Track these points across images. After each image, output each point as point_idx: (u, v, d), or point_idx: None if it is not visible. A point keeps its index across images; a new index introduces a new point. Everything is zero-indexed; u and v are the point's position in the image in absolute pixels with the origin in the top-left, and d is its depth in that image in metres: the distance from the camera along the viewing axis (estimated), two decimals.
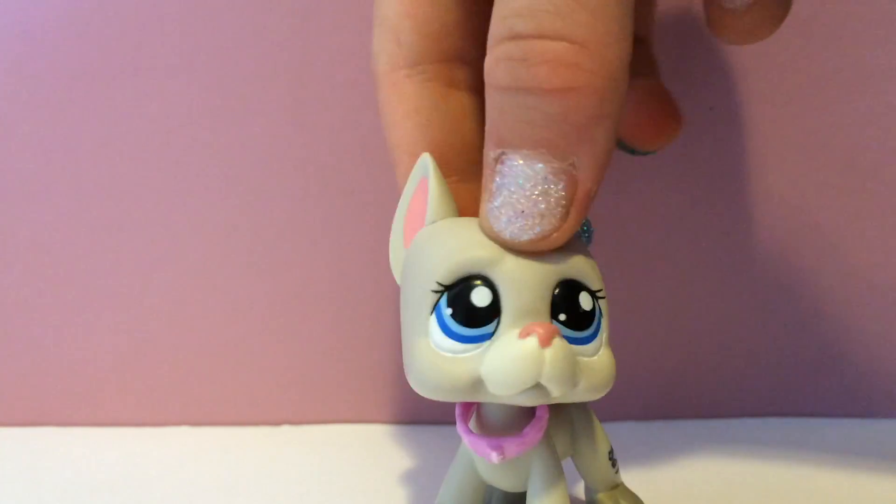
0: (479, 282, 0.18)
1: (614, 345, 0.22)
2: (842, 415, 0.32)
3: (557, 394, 0.17)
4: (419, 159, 0.20)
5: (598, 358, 0.18)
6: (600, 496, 0.23)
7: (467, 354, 0.18)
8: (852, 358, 0.32)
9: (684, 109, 0.31)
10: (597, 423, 0.22)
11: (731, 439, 0.30)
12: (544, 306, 0.18)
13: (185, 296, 0.32)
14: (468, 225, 0.19)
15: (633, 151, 0.25)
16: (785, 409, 0.32)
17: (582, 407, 0.22)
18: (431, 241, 0.19)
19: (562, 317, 0.18)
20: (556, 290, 0.18)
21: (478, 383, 0.18)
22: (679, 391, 0.33)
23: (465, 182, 0.21)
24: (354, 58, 0.31)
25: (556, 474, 0.20)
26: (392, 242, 0.21)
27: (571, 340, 0.18)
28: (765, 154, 0.31)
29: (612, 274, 0.32)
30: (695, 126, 0.31)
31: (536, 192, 0.17)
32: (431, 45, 0.21)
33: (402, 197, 0.21)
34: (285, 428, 0.33)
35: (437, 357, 0.18)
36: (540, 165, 0.17)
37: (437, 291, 0.18)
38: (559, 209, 0.18)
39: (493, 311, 0.18)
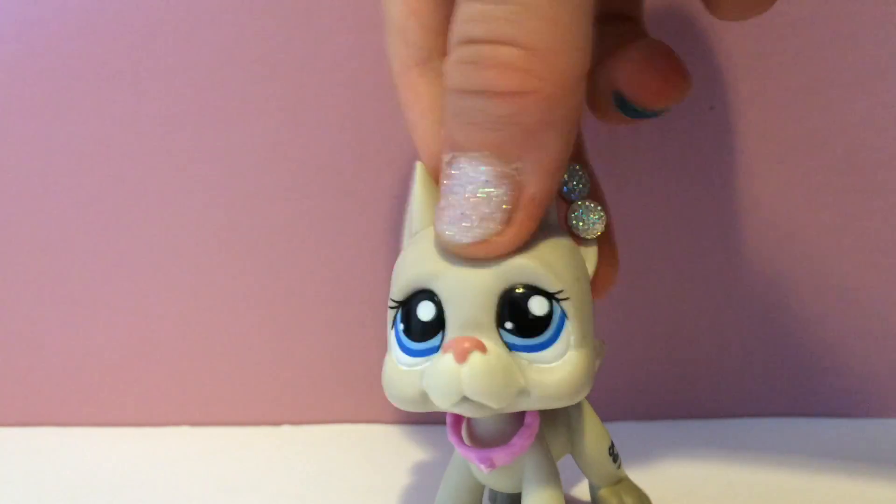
0: (424, 296, 0.18)
1: (614, 345, 0.22)
2: (842, 415, 0.32)
3: (495, 405, 0.17)
4: (415, 168, 0.20)
5: (560, 363, 0.18)
6: (602, 492, 0.23)
7: (416, 368, 0.18)
8: (852, 358, 0.32)
9: (684, 109, 0.31)
10: (595, 419, 0.22)
11: (731, 439, 0.30)
12: (487, 316, 0.18)
13: (185, 296, 0.32)
14: (431, 236, 0.19)
15: (639, 113, 0.23)
16: (785, 409, 0.32)
17: (579, 405, 0.22)
18: (401, 255, 0.19)
19: (508, 325, 0.18)
20: (504, 298, 0.18)
21: (425, 395, 0.18)
22: (679, 391, 0.33)
23: None
24: (354, 58, 0.31)
25: (549, 475, 0.20)
26: (403, 246, 0.21)
27: (521, 348, 0.18)
28: (765, 154, 0.31)
29: None
30: (695, 126, 0.31)
31: (479, 195, 0.17)
32: (438, 40, 0.21)
33: (408, 208, 0.21)
34: (285, 428, 0.33)
35: (395, 370, 0.18)
36: (483, 168, 0.17)
37: (393, 308, 0.19)
38: (500, 213, 0.17)
39: (438, 325, 0.18)
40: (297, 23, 0.31)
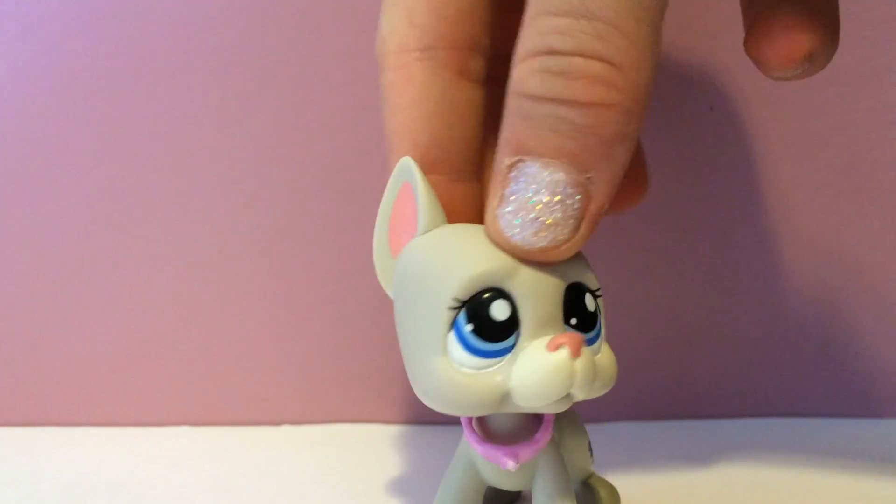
0: (497, 294, 0.18)
1: (615, 345, 0.22)
2: (842, 415, 0.32)
3: (582, 397, 0.18)
4: (399, 163, 0.20)
5: (601, 355, 0.19)
6: (589, 481, 0.24)
7: (491, 369, 0.18)
8: (852, 358, 0.32)
9: (684, 109, 0.31)
10: (576, 417, 0.23)
11: (731, 439, 0.30)
12: (559, 313, 0.18)
13: (185, 296, 0.32)
14: (472, 235, 0.19)
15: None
16: (785, 409, 0.32)
17: None
18: (437, 254, 0.19)
19: (573, 321, 0.18)
20: (566, 296, 0.18)
21: (505, 397, 0.18)
22: (679, 391, 0.33)
23: (461, 182, 0.21)
24: (354, 58, 0.31)
25: (563, 471, 0.20)
26: (376, 251, 0.21)
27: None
28: (765, 154, 0.31)
29: (613, 274, 0.32)
30: (695, 126, 0.31)
31: (554, 201, 0.18)
32: (446, 29, 0.20)
33: (382, 202, 0.20)
34: (285, 428, 0.33)
35: (459, 375, 0.18)
36: (560, 174, 0.18)
37: (454, 308, 0.18)
38: (573, 220, 0.18)
39: (512, 324, 0.18)
40: (297, 23, 0.31)
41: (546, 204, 0.18)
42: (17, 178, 0.32)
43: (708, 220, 0.32)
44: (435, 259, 0.18)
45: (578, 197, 0.18)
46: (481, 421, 0.20)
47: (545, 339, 0.17)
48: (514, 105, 0.18)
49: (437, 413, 0.19)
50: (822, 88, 0.31)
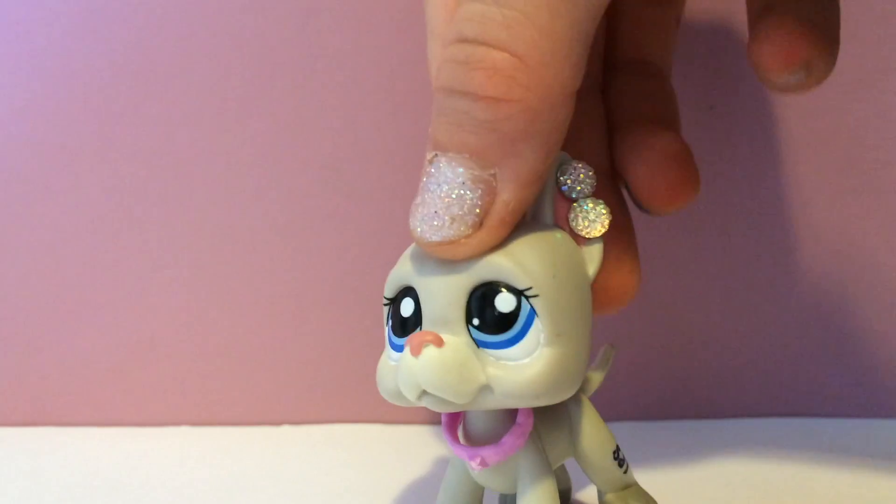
0: (407, 293, 0.18)
1: (616, 345, 0.22)
2: (842, 415, 0.32)
3: (455, 400, 0.17)
4: None
5: (529, 360, 0.18)
6: (608, 497, 0.22)
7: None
8: (853, 358, 0.32)
9: (684, 109, 0.31)
10: (597, 422, 0.22)
11: (731, 439, 0.30)
12: (456, 313, 0.18)
13: (185, 296, 0.32)
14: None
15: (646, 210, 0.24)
16: (785, 409, 0.32)
17: (579, 407, 0.22)
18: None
19: (475, 321, 0.18)
20: (472, 294, 0.18)
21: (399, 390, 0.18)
22: (679, 391, 0.33)
23: None
24: (354, 58, 0.31)
25: (543, 474, 0.20)
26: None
27: (488, 345, 0.18)
28: (765, 153, 0.31)
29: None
30: (695, 126, 0.31)
31: (452, 196, 0.17)
32: None
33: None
34: (285, 428, 0.33)
35: (384, 365, 0.19)
36: (461, 169, 0.17)
37: (385, 305, 0.19)
38: (471, 217, 0.17)
39: (417, 320, 0.18)
40: (297, 23, 0.31)
41: (444, 199, 0.17)
42: (18, 178, 0.32)
43: (708, 220, 0.32)
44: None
45: (479, 192, 0.17)
46: (463, 422, 0.20)
47: None
48: (434, 99, 0.18)
49: (436, 414, 0.19)
50: (822, 88, 0.30)
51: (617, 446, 0.22)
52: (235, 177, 0.32)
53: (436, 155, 0.18)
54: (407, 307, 0.18)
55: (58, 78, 0.31)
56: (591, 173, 0.20)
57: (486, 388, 0.17)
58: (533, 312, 0.18)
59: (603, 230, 0.20)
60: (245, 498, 0.26)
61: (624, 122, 0.24)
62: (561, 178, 0.19)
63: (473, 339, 0.18)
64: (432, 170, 0.18)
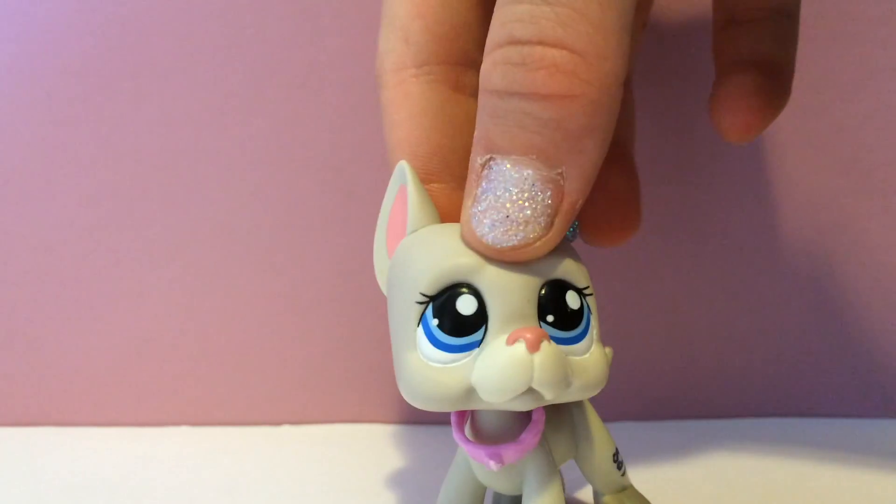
0: (463, 289, 0.18)
1: (616, 345, 0.22)
2: (842, 415, 0.32)
3: (550, 397, 0.17)
4: (396, 167, 0.20)
5: (588, 356, 0.18)
6: (606, 499, 0.23)
7: (457, 364, 0.18)
8: (853, 358, 0.32)
9: (684, 109, 0.31)
10: (599, 424, 0.22)
11: (731, 439, 0.30)
12: (531, 309, 0.18)
13: (185, 296, 0.32)
14: (450, 232, 0.19)
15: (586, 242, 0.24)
16: (785, 409, 0.32)
17: (582, 409, 0.22)
18: (413, 250, 0.19)
19: (549, 318, 0.18)
20: (543, 292, 0.18)
21: (470, 392, 0.17)
22: (679, 391, 0.33)
23: (461, 189, 0.21)
24: (354, 58, 0.31)
25: (550, 476, 0.20)
26: (375, 252, 0.21)
27: (561, 341, 0.18)
28: (765, 154, 0.31)
29: (613, 274, 0.32)
30: (695, 126, 0.31)
31: (524, 198, 0.17)
32: (440, 47, 0.21)
33: (382, 205, 0.21)
34: (285, 428, 0.33)
35: (427, 369, 0.18)
36: (529, 171, 0.17)
37: (421, 302, 0.18)
38: (544, 218, 0.17)
39: (479, 319, 0.18)
40: (297, 23, 0.31)
41: (516, 202, 0.17)
42: (17, 178, 0.32)
43: (708, 220, 0.32)
44: (411, 256, 0.19)
45: (549, 193, 0.17)
46: (472, 420, 0.20)
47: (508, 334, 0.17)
48: (482, 102, 0.18)
49: (437, 413, 0.19)
50: (822, 88, 0.31)
51: (616, 448, 0.22)
52: (235, 176, 0.32)
53: (491, 158, 0.17)
54: (468, 304, 0.18)
55: (58, 78, 0.31)
56: None
57: (569, 383, 0.18)
58: (589, 311, 0.19)
59: (575, 238, 0.20)
60: (245, 498, 0.26)
61: None
62: None
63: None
64: (493, 174, 0.17)
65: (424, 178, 0.20)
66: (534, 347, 0.17)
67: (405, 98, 0.21)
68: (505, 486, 0.20)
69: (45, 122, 0.32)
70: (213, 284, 0.32)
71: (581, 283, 0.18)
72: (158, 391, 0.33)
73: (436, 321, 0.18)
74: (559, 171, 0.17)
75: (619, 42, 0.17)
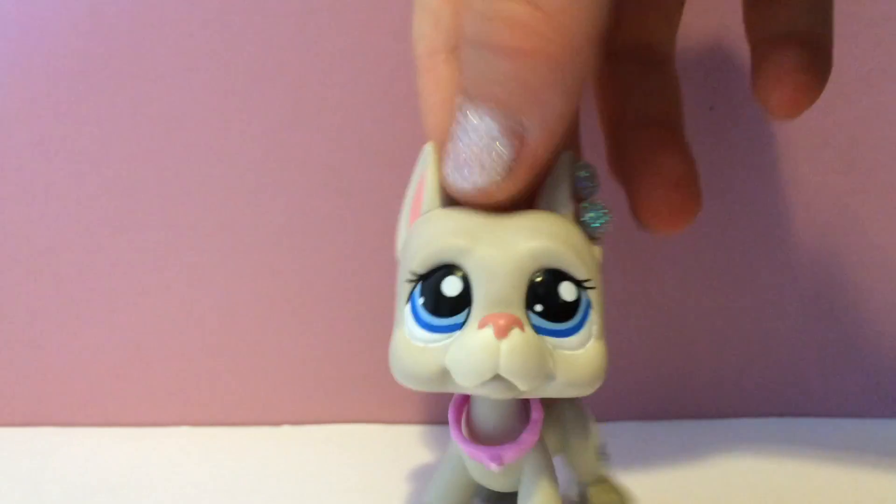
0: (451, 271, 0.18)
1: (615, 345, 0.22)
2: (842, 415, 0.32)
3: (524, 387, 0.17)
4: (423, 149, 0.20)
5: (583, 351, 0.18)
6: (592, 490, 0.23)
7: (437, 344, 0.18)
8: (853, 358, 0.32)
9: (684, 109, 0.31)
10: (590, 419, 0.22)
11: (731, 439, 0.30)
12: (517, 296, 0.17)
13: (185, 296, 0.32)
14: (453, 214, 0.19)
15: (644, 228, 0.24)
16: (785, 409, 0.32)
17: (574, 404, 0.22)
18: (416, 231, 0.19)
19: (538, 307, 0.18)
20: (535, 280, 0.18)
21: (445, 373, 0.17)
22: (679, 391, 0.33)
23: None
24: (355, 58, 0.31)
25: (549, 475, 0.20)
26: (399, 231, 0.21)
27: (549, 332, 0.18)
28: (765, 154, 0.31)
29: (613, 273, 0.32)
30: (695, 126, 0.31)
31: (482, 145, 0.18)
32: None
33: (409, 186, 0.21)
34: (285, 428, 0.33)
35: (409, 346, 0.18)
36: (488, 119, 0.18)
37: (411, 281, 0.18)
38: (500, 165, 0.18)
39: (463, 301, 0.17)
40: (297, 23, 0.31)
41: (475, 148, 0.18)
42: (18, 177, 0.32)
43: (708, 219, 0.32)
44: (415, 236, 0.19)
45: (507, 141, 0.18)
46: (469, 419, 0.20)
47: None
48: (461, 49, 0.18)
49: (437, 413, 0.19)
50: None
51: (603, 442, 0.23)
52: (236, 177, 0.32)
53: (462, 102, 0.18)
54: (453, 286, 0.18)
55: (58, 78, 0.31)
56: (597, 174, 0.20)
57: (550, 377, 0.17)
58: (589, 304, 0.18)
59: (607, 230, 0.20)
60: (245, 498, 0.26)
61: (628, 124, 0.24)
62: (580, 175, 0.20)
63: (532, 326, 0.17)
64: (461, 118, 0.18)
65: None
66: (501, 333, 0.17)
67: (437, 83, 0.21)
68: (502, 484, 0.20)
69: (46, 122, 0.32)
70: (213, 284, 0.32)
71: (581, 275, 0.18)
72: (158, 391, 0.33)
73: (422, 300, 0.18)
74: (520, 121, 0.18)
75: (592, 2, 0.17)
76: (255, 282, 0.32)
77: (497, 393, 0.17)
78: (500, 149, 0.18)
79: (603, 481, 0.23)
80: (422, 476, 0.28)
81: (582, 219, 0.20)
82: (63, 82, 0.31)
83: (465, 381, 0.17)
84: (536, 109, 0.17)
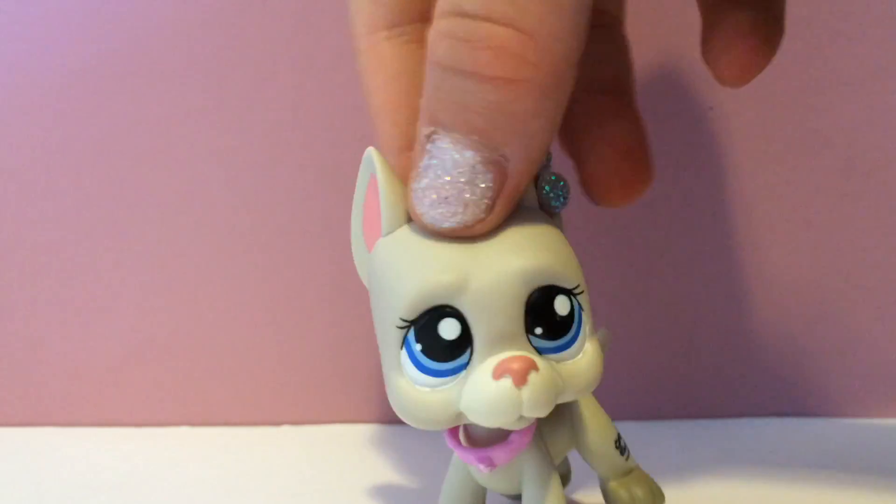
0: (445, 313, 0.17)
1: (615, 344, 0.22)
2: (842, 415, 0.32)
3: (540, 415, 0.17)
4: (365, 154, 0.19)
5: (581, 356, 0.18)
6: (612, 484, 0.22)
7: (445, 388, 0.17)
8: (853, 358, 0.32)
9: (684, 109, 0.31)
10: (599, 412, 0.22)
11: (731, 439, 0.30)
12: (517, 327, 0.17)
13: (185, 296, 0.32)
14: (427, 242, 0.18)
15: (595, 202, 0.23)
16: (785, 409, 0.32)
17: (578, 400, 0.22)
18: (392, 261, 0.18)
19: (538, 331, 0.17)
20: (529, 304, 0.17)
21: (460, 416, 0.17)
22: (679, 391, 0.33)
23: None
24: (354, 58, 0.31)
25: (549, 474, 0.19)
26: (353, 244, 0.20)
27: (551, 350, 0.17)
28: (764, 154, 0.31)
29: (613, 273, 0.32)
30: (693, 126, 0.31)
31: (463, 180, 0.17)
32: (411, 4, 0.19)
33: (355, 195, 0.20)
34: (285, 428, 0.33)
35: (414, 392, 0.17)
36: (470, 153, 0.16)
37: (402, 327, 0.17)
38: (484, 201, 0.17)
39: (464, 342, 0.17)
40: (297, 23, 0.31)
41: (455, 183, 0.17)
42: (18, 177, 0.32)
43: (708, 219, 0.32)
44: (389, 271, 0.18)
45: (490, 175, 0.17)
46: (465, 425, 0.20)
47: (494, 361, 0.17)
48: (428, 70, 0.17)
49: None
50: (822, 88, 0.31)
51: (618, 434, 0.22)
52: (235, 177, 0.32)
53: (434, 131, 0.17)
54: (451, 329, 0.17)
55: (58, 78, 0.31)
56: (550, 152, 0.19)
57: (561, 394, 0.17)
58: (580, 309, 0.18)
59: (567, 202, 0.19)
60: (245, 498, 0.26)
61: (576, 91, 0.23)
62: None
63: (535, 348, 0.17)
64: (433, 149, 0.17)
65: (407, 146, 0.19)
66: (521, 381, 0.16)
67: (380, 63, 0.20)
68: (502, 487, 0.20)
69: (46, 122, 0.32)
70: (212, 284, 0.32)
71: (570, 283, 0.17)
72: (158, 391, 0.33)
73: (419, 346, 0.17)
74: (501, 153, 0.17)
75: (574, 23, 0.16)
76: (255, 282, 0.32)
77: (517, 426, 0.17)
78: (484, 184, 0.17)
79: (627, 474, 0.22)
80: (422, 476, 0.28)
81: (541, 196, 0.19)
82: (63, 82, 0.31)
83: (487, 424, 0.17)
84: (521, 139, 0.16)
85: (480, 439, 0.19)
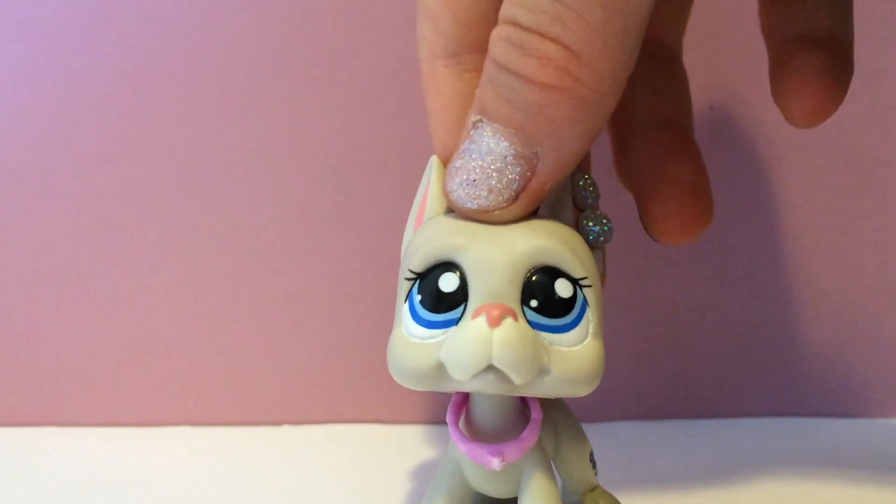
0: (448, 268, 0.18)
1: (615, 344, 0.22)
2: (842, 415, 0.32)
3: (518, 379, 0.17)
4: (429, 161, 0.21)
5: (580, 349, 0.18)
6: (587, 499, 0.23)
7: (433, 340, 0.18)
8: (852, 358, 0.32)
9: None
10: (578, 425, 0.22)
11: (731, 439, 0.30)
12: (513, 291, 0.18)
13: (185, 296, 0.32)
14: (453, 219, 0.19)
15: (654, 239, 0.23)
16: (785, 409, 0.32)
17: (565, 410, 0.22)
18: (417, 234, 0.19)
19: (533, 302, 0.18)
20: (531, 276, 0.18)
21: (440, 369, 0.17)
22: (679, 391, 0.33)
23: None
24: (355, 58, 0.31)
25: (550, 478, 0.20)
26: (405, 236, 0.21)
27: (544, 327, 0.18)
28: (764, 154, 0.31)
29: (613, 273, 0.32)
30: (694, 126, 0.31)
31: (493, 168, 0.18)
32: (469, 35, 0.21)
33: (416, 195, 0.21)
34: (285, 428, 0.33)
35: (406, 344, 0.18)
36: (505, 143, 0.18)
37: (409, 279, 0.18)
38: (508, 191, 0.18)
39: (460, 297, 0.18)
40: (297, 23, 0.31)
41: (486, 168, 0.18)
42: (18, 177, 0.32)
43: None
44: (416, 240, 0.19)
45: (519, 169, 0.18)
46: (469, 420, 0.20)
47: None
48: (486, 64, 0.18)
49: (437, 413, 0.19)
50: None
51: (591, 449, 0.22)
52: (236, 177, 0.32)
53: (480, 120, 0.18)
54: (450, 282, 0.18)
55: (58, 78, 0.31)
56: (595, 184, 0.21)
57: (545, 371, 0.17)
58: (586, 302, 0.18)
59: (608, 240, 0.20)
60: (245, 498, 0.26)
61: (637, 125, 0.23)
62: (578, 184, 0.20)
63: (528, 321, 0.18)
64: (475, 135, 0.18)
65: None
66: (494, 322, 0.17)
67: (437, 89, 0.21)
68: (500, 489, 0.20)
69: (46, 122, 0.32)
70: (213, 285, 0.32)
71: (577, 273, 0.18)
72: (158, 391, 0.33)
73: (419, 297, 0.18)
74: (535, 150, 0.18)
75: (621, 46, 0.17)
76: (255, 282, 0.32)
77: (492, 387, 0.17)
78: (511, 175, 0.18)
79: (592, 489, 0.23)
80: (422, 476, 0.28)
81: (581, 228, 0.20)
82: (63, 82, 0.31)
83: (459, 373, 0.17)
84: (554, 142, 0.18)
85: (486, 435, 0.19)
